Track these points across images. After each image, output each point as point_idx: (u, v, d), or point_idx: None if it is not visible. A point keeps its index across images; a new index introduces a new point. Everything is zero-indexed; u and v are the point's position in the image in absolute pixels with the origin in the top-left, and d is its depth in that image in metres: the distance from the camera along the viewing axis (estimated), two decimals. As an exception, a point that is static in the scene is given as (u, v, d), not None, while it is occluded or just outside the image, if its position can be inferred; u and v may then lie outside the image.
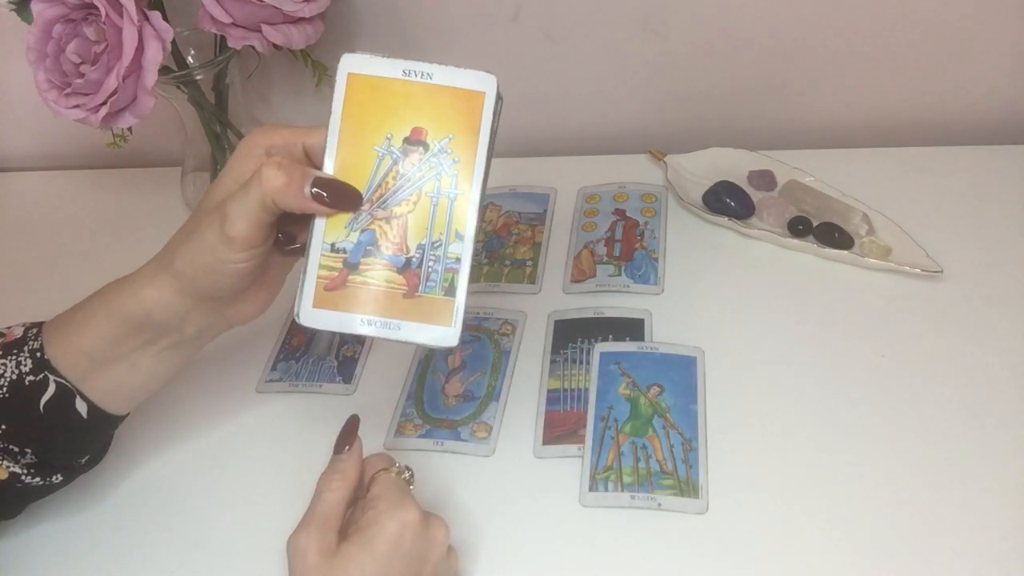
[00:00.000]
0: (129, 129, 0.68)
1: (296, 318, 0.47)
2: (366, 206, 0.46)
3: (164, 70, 0.67)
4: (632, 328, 0.66)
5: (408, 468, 0.49)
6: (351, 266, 0.46)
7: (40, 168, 0.94)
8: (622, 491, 0.56)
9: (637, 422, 0.59)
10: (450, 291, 0.45)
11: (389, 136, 0.46)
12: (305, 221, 0.48)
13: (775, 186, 0.76)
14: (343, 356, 0.68)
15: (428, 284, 0.46)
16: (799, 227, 0.71)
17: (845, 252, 0.69)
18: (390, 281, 0.46)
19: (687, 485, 0.56)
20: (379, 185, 0.46)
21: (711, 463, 0.57)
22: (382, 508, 0.46)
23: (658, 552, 0.53)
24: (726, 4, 0.75)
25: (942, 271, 0.66)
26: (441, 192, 0.46)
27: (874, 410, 0.59)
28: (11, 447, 0.52)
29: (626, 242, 0.73)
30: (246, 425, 0.64)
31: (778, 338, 0.64)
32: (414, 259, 0.46)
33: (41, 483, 0.54)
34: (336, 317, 0.46)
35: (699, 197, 0.75)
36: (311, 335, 0.69)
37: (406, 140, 0.46)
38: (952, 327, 0.63)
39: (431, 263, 0.46)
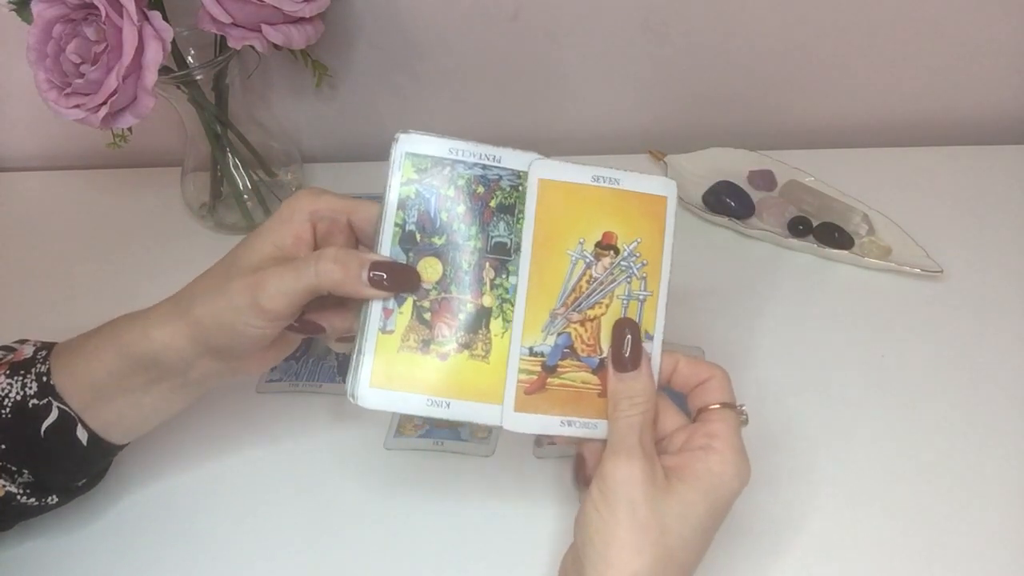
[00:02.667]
0: (129, 129, 0.68)
1: (352, 399, 0.46)
2: (561, 310, 0.47)
3: (164, 70, 0.67)
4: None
5: (745, 413, 0.46)
6: (550, 369, 0.46)
7: (40, 168, 0.94)
8: (622, 491, 0.56)
9: (637, 422, 0.59)
10: None
11: (582, 241, 0.47)
12: (330, 309, 0.49)
13: (775, 186, 0.76)
14: (343, 356, 0.68)
15: None
16: (799, 227, 0.71)
17: (845, 252, 0.69)
18: (587, 382, 0.47)
19: (687, 485, 0.56)
20: (573, 289, 0.47)
21: (711, 463, 0.57)
22: (730, 459, 0.43)
23: (658, 552, 0.53)
24: (726, 4, 0.75)
25: (942, 271, 0.66)
26: (631, 295, 0.47)
27: (874, 409, 0.59)
28: (9, 466, 0.52)
29: (626, 242, 0.73)
30: (246, 425, 0.64)
31: (778, 338, 0.64)
32: (607, 360, 0.47)
33: (36, 504, 0.54)
34: (538, 420, 0.46)
35: (699, 197, 0.75)
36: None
37: (597, 244, 0.47)
38: (952, 327, 0.63)
39: None
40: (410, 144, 0.47)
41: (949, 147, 0.78)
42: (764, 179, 0.76)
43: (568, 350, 0.46)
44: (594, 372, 0.46)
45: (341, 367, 0.67)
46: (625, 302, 0.47)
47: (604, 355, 0.46)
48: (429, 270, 0.47)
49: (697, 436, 0.44)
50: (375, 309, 0.46)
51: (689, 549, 0.42)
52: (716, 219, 0.73)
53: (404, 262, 0.47)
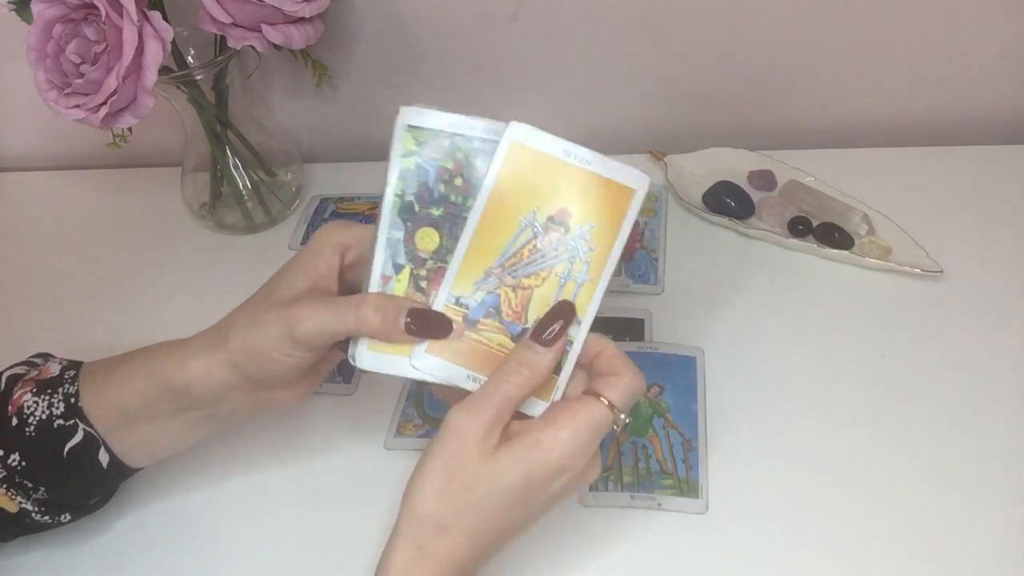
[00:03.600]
0: (129, 129, 0.68)
1: (351, 360, 0.48)
2: (497, 270, 0.47)
3: (164, 70, 0.67)
4: (632, 328, 0.66)
5: (627, 424, 0.45)
6: (470, 323, 0.47)
7: (40, 168, 0.94)
8: (622, 491, 0.56)
9: (637, 422, 0.59)
10: (556, 370, 0.46)
11: (535, 210, 0.46)
12: None
13: (775, 186, 0.76)
14: (342, 358, 0.67)
15: None
16: (799, 227, 0.71)
17: (845, 252, 0.69)
18: (502, 346, 0.47)
19: (687, 485, 0.56)
20: (514, 254, 0.47)
21: (711, 463, 0.57)
22: (562, 439, 0.43)
23: (658, 552, 0.53)
24: (726, 4, 0.75)
25: (942, 271, 0.66)
26: (571, 276, 0.47)
27: (874, 410, 0.59)
28: (25, 483, 0.52)
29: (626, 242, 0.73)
30: (246, 425, 0.64)
31: (778, 338, 0.64)
32: (529, 331, 0.46)
33: (49, 521, 0.54)
34: (445, 366, 0.47)
35: (699, 197, 0.75)
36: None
37: (550, 218, 0.46)
38: (952, 327, 0.63)
39: None
40: (411, 117, 0.47)
41: (949, 147, 0.78)
42: (764, 179, 0.76)
43: (493, 310, 0.47)
44: (513, 339, 0.46)
45: (341, 367, 0.67)
46: (563, 281, 0.46)
47: (527, 325, 0.46)
48: (426, 240, 0.47)
49: (556, 409, 0.45)
50: (375, 275, 0.48)
51: (495, 510, 0.43)
52: (716, 219, 0.73)
53: (402, 232, 0.48)
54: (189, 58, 0.75)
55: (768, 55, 0.78)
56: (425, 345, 0.47)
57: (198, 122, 0.76)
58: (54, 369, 0.53)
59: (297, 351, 0.48)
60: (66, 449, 0.51)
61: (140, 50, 0.61)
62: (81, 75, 0.63)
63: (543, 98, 0.83)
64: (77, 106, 0.64)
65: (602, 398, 0.44)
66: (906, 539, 0.52)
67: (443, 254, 0.47)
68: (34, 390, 0.52)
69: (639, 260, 0.71)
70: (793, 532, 0.53)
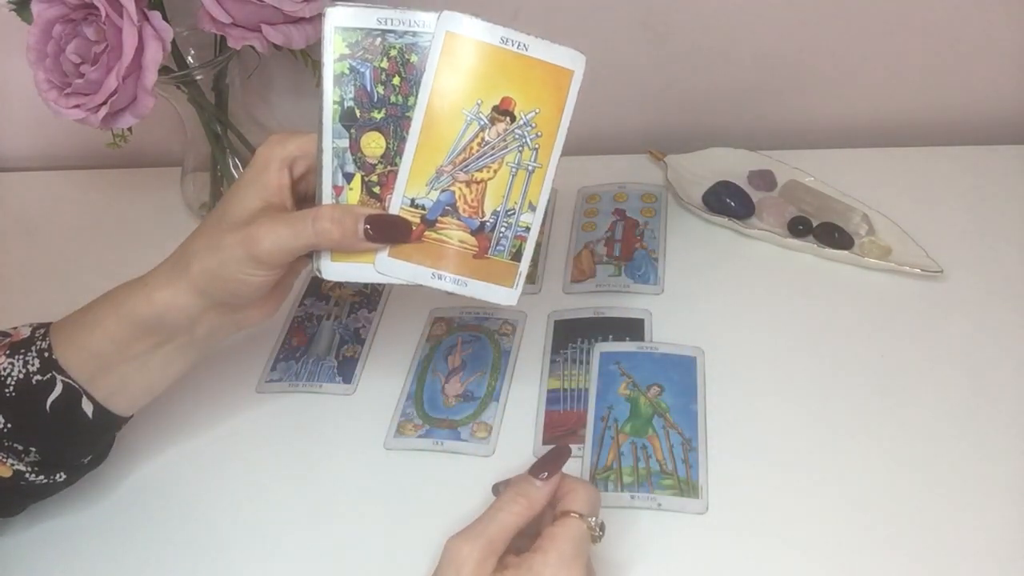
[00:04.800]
0: (129, 129, 0.68)
1: (317, 273, 0.48)
2: (448, 167, 0.47)
3: (164, 70, 0.67)
4: (632, 328, 0.66)
5: (602, 525, 0.46)
6: (429, 222, 0.47)
7: (40, 168, 0.94)
8: (622, 491, 0.56)
9: (637, 422, 0.59)
10: (516, 256, 0.47)
11: (479, 102, 0.46)
12: None
13: (775, 186, 0.76)
14: (343, 356, 0.68)
15: (498, 248, 0.48)
16: (799, 227, 0.71)
17: (845, 252, 0.69)
18: (463, 241, 0.47)
19: (687, 485, 0.56)
20: (464, 149, 0.47)
21: (711, 463, 0.57)
22: (551, 562, 0.44)
23: (658, 552, 0.53)
24: (726, 4, 0.75)
25: (942, 271, 0.66)
26: (521, 164, 0.47)
27: (874, 410, 0.59)
28: (15, 445, 0.52)
29: (626, 242, 0.73)
30: (246, 425, 0.64)
31: (778, 338, 0.64)
32: (488, 223, 0.47)
33: (45, 481, 0.54)
34: (409, 268, 0.47)
35: (699, 197, 0.75)
36: (313, 332, 0.70)
37: (495, 108, 0.46)
38: (952, 327, 0.63)
39: (503, 229, 0.48)
40: (338, 18, 0.46)
41: (949, 147, 0.78)
42: (764, 179, 0.76)
43: (450, 208, 0.47)
44: (472, 233, 0.47)
45: (341, 367, 0.67)
46: (514, 170, 0.47)
47: (485, 218, 0.47)
48: (372, 145, 0.47)
49: (542, 538, 0.45)
50: (326, 188, 0.48)
51: None
52: (716, 219, 0.73)
53: (347, 140, 0.47)
54: (189, 58, 0.75)
55: (768, 55, 0.78)
56: (387, 249, 0.47)
57: (198, 122, 0.76)
58: (25, 332, 0.54)
59: (260, 271, 0.48)
60: (48, 404, 0.51)
61: (140, 50, 0.61)
62: (81, 75, 0.63)
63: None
64: (77, 106, 0.64)
65: (572, 513, 0.45)
66: (906, 539, 0.52)
67: (392, 157, 0.47)
68: (8, 352, 0.53)
69: (639, 260, 0.71)
70: (793, 532, 0.53)
